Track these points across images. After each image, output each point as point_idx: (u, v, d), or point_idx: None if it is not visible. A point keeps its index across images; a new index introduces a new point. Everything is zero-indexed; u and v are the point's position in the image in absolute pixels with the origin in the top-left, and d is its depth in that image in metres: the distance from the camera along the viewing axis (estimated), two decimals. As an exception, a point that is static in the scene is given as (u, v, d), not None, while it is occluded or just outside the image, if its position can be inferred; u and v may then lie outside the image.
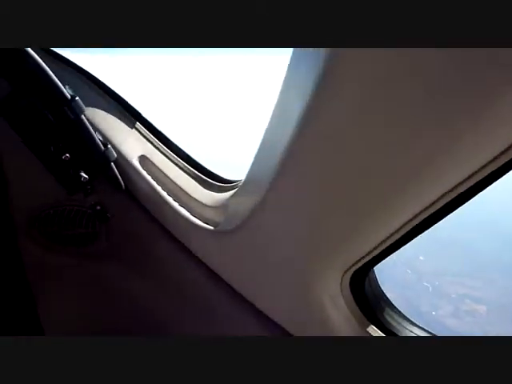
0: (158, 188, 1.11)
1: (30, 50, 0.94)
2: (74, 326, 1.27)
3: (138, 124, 1.26)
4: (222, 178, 1.17)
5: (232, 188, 1.05)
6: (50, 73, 0.95)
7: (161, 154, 1.21)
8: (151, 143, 1.23)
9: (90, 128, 1.02)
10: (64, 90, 0.97)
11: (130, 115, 1.27)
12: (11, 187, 1.17)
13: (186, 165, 1.20)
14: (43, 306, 1.28)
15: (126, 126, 1.24)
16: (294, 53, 0.67)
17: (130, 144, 1.19)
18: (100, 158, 1.04)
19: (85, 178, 1.00)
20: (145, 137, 1.24)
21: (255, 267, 0.93)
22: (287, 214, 0.78)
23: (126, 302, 1.26)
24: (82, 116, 1.00)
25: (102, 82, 1.30)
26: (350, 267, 0.78)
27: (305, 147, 0.66)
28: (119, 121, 1.23)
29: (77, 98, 0.99)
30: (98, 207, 1.07)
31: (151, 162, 1.17)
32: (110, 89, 1.30)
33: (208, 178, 1.16)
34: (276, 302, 0.94)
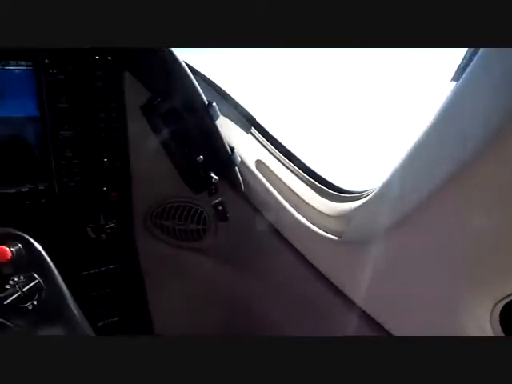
0: (275, 193, 1.13)
1: (176, 55, 1.00)
2: (179, 320, 1.34)
3: (252, 129, 1.30)
4: (337, 186, 1.16)
5: (356, 198, 1.03)
6: (193, 78, 1.01)
7: (275, 160, 1.23)
8: (266, 148, 1.26)
9: (222, 133, 1.07)
10: (203, 95, 1.03)
11: (245, 119, 1.31)
12: (135, 180, 1.26)
13: (301, 171, 1.21)
14: (152, 296, 1.36)
15: (241, 131, 1.27)
16: (483, 52, 0.61)
17: (247, 148, 1.22)
18: (228, 161, 1.08)
19: (215, 179, 1.05)
20: (259, 142, 1.27)
21: (385, 281, 0.90)
22: (437, 232, 0.75)
23: (230, 302, 1.30)
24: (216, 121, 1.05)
25: (219, 86, 1.36)
26: (503, 299, 0.73)
27: (481, 169, 0.63)
28: (235, 125, 1.28)
29: (214, 104, 1.04)
30: (220, 207, 1.12)
31: (267, 167, 1.20)
32: (226, 93, 1.35)
33: (323, 186, 1.16)
34: (406, 320, 0.91)
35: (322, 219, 1.06)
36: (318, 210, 1.08)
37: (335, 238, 0.99)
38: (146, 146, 1.20)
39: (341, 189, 1.14)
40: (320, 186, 1.16)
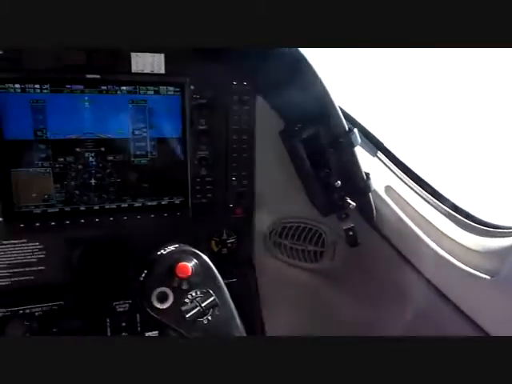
0: (409, 222, 1.09)
1: (323, 81, 1.01)
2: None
3: (379, 153, 1.27)
4: (479, 218, 1.07)
5: (508, 234, 0.95)
6: (336, 104, 1.02)
7: (405, 186, 1.19)
8: (394, 174, 1.22)
9: (359, 159, 1.06)
10: (344, 121, 1.03)
11: (371, 143, 1.29)
12: (259, 198, 1.30)
13: (433, 199, 1.15)
14: (266, 312, 1.39)
15: (368, 155, 1.26)
16: None
17: (375, 174, 1.20)
18: (363, 187, 1.07)
19: (352, 205, 1.05)
20: (387, 167, 1.24)
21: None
22: None
23: (343, 326, 1.27)
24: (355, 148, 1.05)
25: (343, 109, 1.35)
26: None
27: None
28: (361, 149, 1.26)
29: (354, 130, 1.04)
30: (351, 232, 1.11)
31: (397, 193, 1.16)
32: (350, 115, 1.34)
33: (461, 216, 1.09)
34: None
35: (466, 254, 0.99)
36: (461, 244, 1.01)
37: (487, 276, 0.92)
38: (273, 167, 1.25)
39: (483, 221, 1.05)
40: (458, 216, 1.09)
